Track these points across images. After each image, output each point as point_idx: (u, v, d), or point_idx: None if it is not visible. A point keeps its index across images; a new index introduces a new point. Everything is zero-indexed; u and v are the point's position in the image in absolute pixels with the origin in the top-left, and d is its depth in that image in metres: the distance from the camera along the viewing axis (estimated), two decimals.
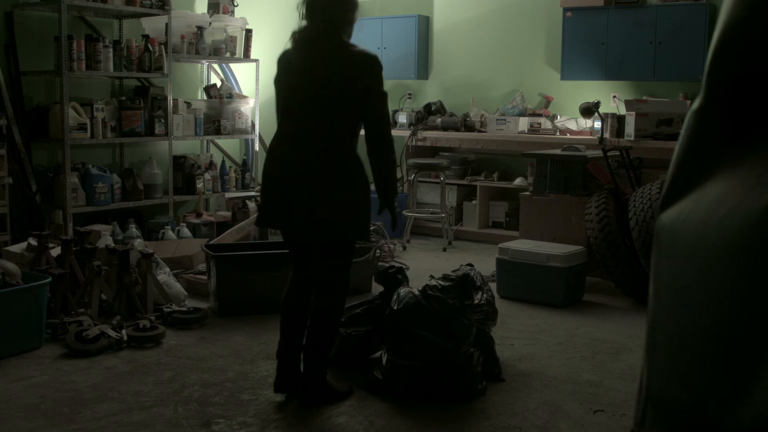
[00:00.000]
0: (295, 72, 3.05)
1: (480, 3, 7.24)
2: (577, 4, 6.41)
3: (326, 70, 3.00)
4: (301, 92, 3.04)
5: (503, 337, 3.97)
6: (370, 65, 3.00)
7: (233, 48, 6.68)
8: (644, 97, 6.22)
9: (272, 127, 7.88)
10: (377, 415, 3.05)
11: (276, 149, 3.11)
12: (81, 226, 5.14)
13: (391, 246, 6.00)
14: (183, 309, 4.26)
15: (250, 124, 6.87)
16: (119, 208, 5.87)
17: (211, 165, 6.61)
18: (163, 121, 6.02)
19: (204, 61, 6.76)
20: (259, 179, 7.11)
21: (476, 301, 3.45)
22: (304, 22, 3.06)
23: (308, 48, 3.02)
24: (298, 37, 3.04)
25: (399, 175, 7.22)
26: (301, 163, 3.01)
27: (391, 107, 7.53)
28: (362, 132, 3.08)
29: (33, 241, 4.49)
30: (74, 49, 5.41)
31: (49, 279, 3.83)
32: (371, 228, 5.12)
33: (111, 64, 5.68)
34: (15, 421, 2.96)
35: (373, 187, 3.07)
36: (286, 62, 3.10)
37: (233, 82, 7.03)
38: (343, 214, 3.02)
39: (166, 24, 6.02)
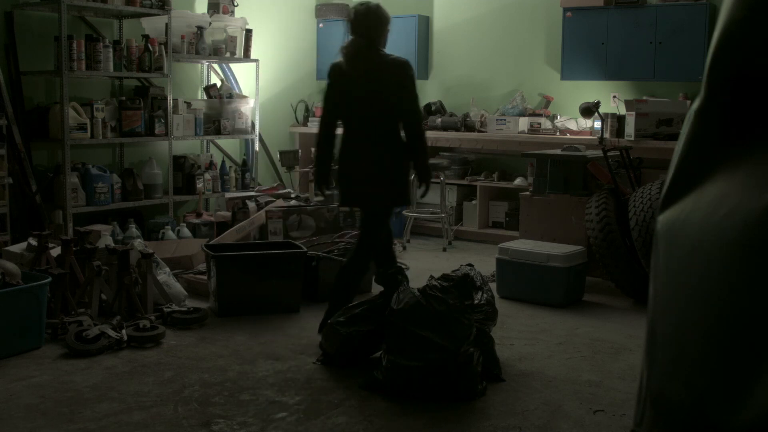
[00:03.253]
0: (347, 80, 3.85)
1: (480, 3, 7.24)
2: (577, 4, 6.41)
3: (370, 77, 3.82)
4: (355, 96, 3.86)
5: (503, 337, 3.97)
6: (403, 70, 3.81)
7: (233, 48, 6.68)
8: (644, 97, 6.22)
9: (272, 127, 7.85)
10: (377, 415, 3.05)
11: (345, 143, 3.91)
12: (81, 226, 5.14)
13: None
14: (183, 309, 4.26)
15: (250, 124, 6.88)
16: (119, 208, 5.88)
17: (211, 165, 6.61)
18: (163, 121, 6.02)
19: (204, 61, 6.76)
20: (260, 179, 7.14)
21: (476, 301, 3.45)
22: (349, 37, 3.89)
23: (354, 60, 3.82)
24: (345, 51, 3.85)
25: None
26: (365, 150, 3.87)
27: None
28: None
29: (33, 241, 4.49)
30: (74, 49, 5.41)
31: (49, 279, 3.83)
32: None
33: (111, 64, 5.68)
34: (15, 421, 2.96)
35: None
36: (338, 72, 3.88)
37: (233, 82, 7.03)
38: (394, 185, 3.90)
39: (166, 24, 6.02)
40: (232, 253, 4.54)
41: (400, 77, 3.79)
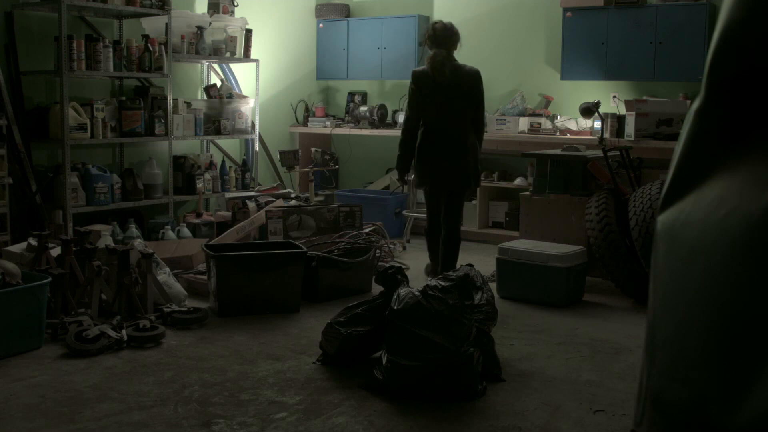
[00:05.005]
0: (434, 85, 4.59)
1: (480, 3, 7.24)
2: (577, 4, 6.41)
3: (452, 83, 4.58)
4: (440, 98, 4.59)
5: (503, 337, 3.97)
6: (477, 78, 4.64)
7: (233, 48, 6.68)
8: (644, 97, 6.22)
9: (272, 127, 7.84)
10: (377, 415, 3.05)
11: (427, 135, 4.64)
12: (81, 226, 5.14)
13: (391, 246, 6.00)
14: (183, 309, 4.26)
15: (250, 124, 6.87)
16: (119, 208, 5.87)
17: (211, 165, 6.61)
18: (163, 121, 6.02)
19: (204, 61, 6.76)
20: (260, 179, 7.14)
21: (476, 301, 3.46)
22: (429, 51, 4.67)
23: (441, 68, 4.56)
24: (433, 61, 4.58)
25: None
26: (445, 142, 4.61)
27: (390, 107, 7.61)
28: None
29: (33, 241, 4.49)
30: (74, 49, 5.41)
31: (49, 279, 3.83)
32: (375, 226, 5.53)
33: (111, 64, 5.68)
34: (15, 421, 2.96)
35: None
36: (425, 78, 4.62)
37: (233, 82, 7.03)
38: (468, 170, 4.64)
39: (166, 24, 6.02)
40: (232, 253, 4.54)
41: (475, 83, 4.63)
